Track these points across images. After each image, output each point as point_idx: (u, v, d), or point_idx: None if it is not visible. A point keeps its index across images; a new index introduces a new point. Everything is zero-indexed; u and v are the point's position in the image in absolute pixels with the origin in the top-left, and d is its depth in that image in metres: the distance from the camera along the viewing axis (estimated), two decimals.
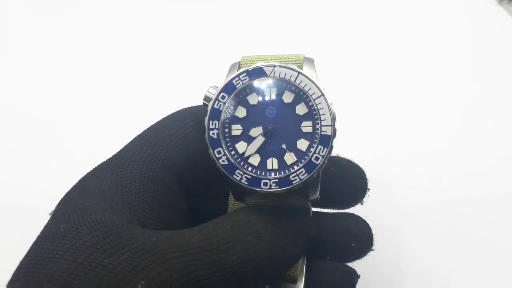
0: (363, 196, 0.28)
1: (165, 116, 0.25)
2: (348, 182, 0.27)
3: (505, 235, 0.36)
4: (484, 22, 0.50)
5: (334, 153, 0.28)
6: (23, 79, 0.46)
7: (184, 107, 0.25)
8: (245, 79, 0.23)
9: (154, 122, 0.24)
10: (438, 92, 0.44)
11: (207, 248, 0.19)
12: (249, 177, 0.23)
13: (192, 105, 0.26)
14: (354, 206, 0.28)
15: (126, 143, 0.24)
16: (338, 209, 0.28)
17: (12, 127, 0.43)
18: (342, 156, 0.28)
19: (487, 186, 0.38)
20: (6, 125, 0.43)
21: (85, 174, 0.22)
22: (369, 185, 0.28)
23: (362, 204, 0.28)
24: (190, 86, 0.45)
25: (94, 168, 0.22)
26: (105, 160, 0.23)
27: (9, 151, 0.41)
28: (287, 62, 0.24)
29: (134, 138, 0.24)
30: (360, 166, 0.28)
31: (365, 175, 0.28)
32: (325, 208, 0.27)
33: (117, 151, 0.23)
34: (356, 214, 0.28)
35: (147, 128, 0.24)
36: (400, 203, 0.38)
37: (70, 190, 0.21)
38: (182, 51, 0.48)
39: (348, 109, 0.43)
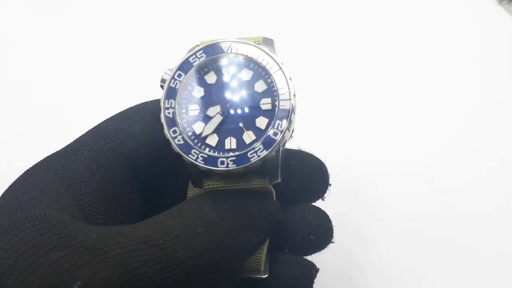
0: (324, 191, 0.27)
1: (121, 110, 0.24)
2: (309, 176, 0.26)
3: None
4: (484, 22, 0.50)
5: (295, 146, 0.27)
6: (22, 79, 0.46)
7: (142, 102, 0.25)
8: (202, 56, 0.23)
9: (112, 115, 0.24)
10: (438, 92, 0.44)
11: (152, 243, 0.18)
12: (206, 156, 0.22)
13: (151, 100, 0.25)
14: (314, 201, 0.27)
15: (78, 137, 0.23)
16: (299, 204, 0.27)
17: (12, 128, 0.43)
18: (304, 149, 0.27)
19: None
20: (6, 125, 0.43)
21: (32, 165, 0.21)
22: (331, 180, 0.27)
23: (323, 199, 0.27)
24: None
25: (42, 159, 0.21)
26: (56, 151, 0.22)
27: (9, 152, 0.41)
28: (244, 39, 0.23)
29: (87, 131, 0.23)
30: (322, 160, 0.27)
31: (326, 169, 0.27)
32: (285, 204, 0.26)
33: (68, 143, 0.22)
34: (314, 205, 0.27)
35: (102, 121, 0.23)
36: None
37: (15, 181, 0.20)
38: (183, 51, 0.48)
39: (348, 109, 0.43)
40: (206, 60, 0.23)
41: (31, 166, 0.21)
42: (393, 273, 0.35)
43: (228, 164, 0.21)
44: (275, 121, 0.22)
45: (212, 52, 0.23)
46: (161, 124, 0.22)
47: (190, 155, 0.22)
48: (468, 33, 0.49)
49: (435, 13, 0.50)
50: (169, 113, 0.22)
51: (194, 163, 0.22)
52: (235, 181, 0.22)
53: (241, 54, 0.23)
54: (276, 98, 0.22)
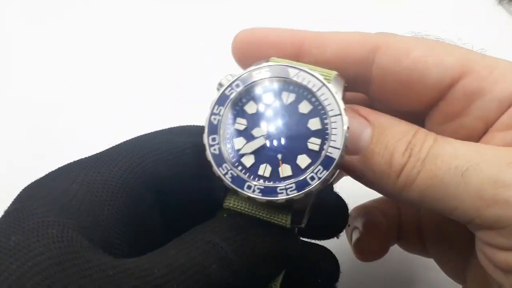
0: (341, 230, 0.27)
1: (163, 128, 0.23)
2: (328, 214, 0.26)
3: None
4: (484, 22, 0.50)
5: None
6: (22, 79, 0.46)
7: (184, 125, 0.24)
8: (267, 73, 0.22)
9: (151, 131, 0.23)
10: None
11: (168, 285, 0.17)
12: (235, 175, 0.21)
13: (192, 124, 0.24)
14: (330, 239, 0.27)
15: (110, 147, 0.21)
16: (313, 239, 0.27)
17: (12, 128, 0.43)
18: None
19: None
20: (6, 125, 0.43)
21: (59, 166, 0.20)
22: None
23: (338, 238, 0.27)
24: (190, 86, 0.45)
25: (70, 163, 0.20)
26: (86, 156, 0.21)
27: (9, 152, 0.41)
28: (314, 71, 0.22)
29: (123, 142, 0.21)
30: (344, 199, 0.27)
31: (347, 210, 0.27)
32: (300, 237, 0.25)
33: (97, 153, 0.21)
34: (326, 247, 0.27)
35: (141, 135, 0.22)
36: None
37: (35, 183, 0.19)
38: (183, 51, 0.48)
39: None
40: (268, 79, 0.22)
41: (56, 168, 0.20)
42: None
43: (254, 190, 0.20)
44: (317, 165, 0.20)
45: (277, 73, 0.22)
46: (202, 129, 0.21)
47: (220, 168, 0.21)
48: (468, 33, 0.49)
49: (435, 13, 0.50)
50: (214, 119, 0.21)
51: (221, 178, 0.21)
52: (256, 208, 0.21)
53: (305, 86, 0.21)
54: (326, 142, 0.21)
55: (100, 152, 0.21)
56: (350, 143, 0.21)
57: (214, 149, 0.21)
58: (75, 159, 0.21)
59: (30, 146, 0.41)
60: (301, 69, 0.21)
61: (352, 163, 0.21)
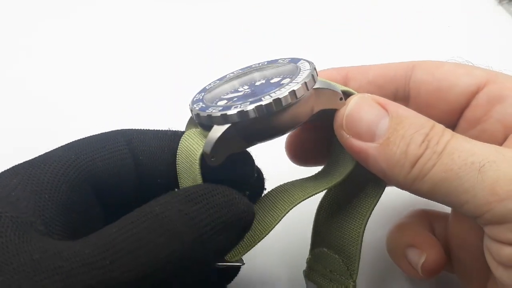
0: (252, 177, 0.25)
1: (98, 133, 0.24)
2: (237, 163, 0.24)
3: None
4: (484, 22, 0.50)
5: None
6: (22, 79, 0.46)
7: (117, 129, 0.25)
8: (285, 60, 0.24)
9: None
10: None
11: (96, 265, 0.16)
12: (204, 106, 0.22)
13: (126, 128, 0.25)
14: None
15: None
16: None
17: (11, 128, 0.43)
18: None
19: None
20: (5, 125, 0.43)
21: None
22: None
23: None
24: (190, 86, 0.45)
25: (9, 169, 0.21)
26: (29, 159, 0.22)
27: (8, 152, 0.41)
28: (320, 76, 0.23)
29: (60, 146, 0.22)
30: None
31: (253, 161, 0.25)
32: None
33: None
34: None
35: (77, 140, 0.23)
36: None
37: None
38: (184, 52, 0.48)
39: None
40: (286, 64, 0.24)
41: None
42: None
43: (214, 110, 0.21)
44: (247, 100, 0.21)
45: (293, 62, 0.24)
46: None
47: (195, 105, 0.22)
48: (468, 33, 0.49)
49: (435, 13, 0.50)
50: (209, 85, 0.25)
51: (191, 108, 0.22)
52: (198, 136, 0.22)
53: (303, 77, 0.21)
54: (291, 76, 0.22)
55: (41, 154, 0.22)
56: (367, 130, 0.22)
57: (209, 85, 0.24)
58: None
59: (30, 146, 0.41)
60: (309, 65, 0.22)
61: (367, 150, 0.22)
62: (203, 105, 0.22)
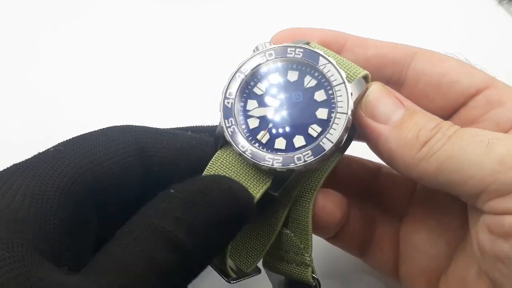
0: None
1: (105, 129, 0.22)
2: None
3: None
4: (484, 22, 0.50)
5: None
6: (22, 79, 0.46)
7: (124, 125, 0.23)
8: (299, 54, 0.24)
9: (90, 132, 0.22)
10: None
11: None
12: (236, 131, 0.23)
13: (131, 125, 0.23)
14: None
15: (49, 148, 0.20)
16: None
17: (11, 128, 0.43)
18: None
19: None
20: (6, 125, 0.43)
21: None
22: None
23: None
24: (191, 87, 0.45)
25: (6, 169, 0.19)
26: (19, 162, 0.20)
27: (9, 152, 0.41)
28: (344, 67, 0.24)
29: (60, 144, 0.21)
30: None
31: None
32: None
33: (36, 155, 0.20)
34: None
35: (80, 137, 0.21)
36: None
37: None
38: (184, 52, 0.48)
39: None
40: (300, 59, 0.24)
41: None
42: None
43: (246, 150, 0.22)
44: (308, 150, 0.22)
45: (309, 57, 0.24)
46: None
47: (226, 120, 0.23)
48: (468, 33, 0.49)
49: (435, 13, 0.50)
50: (239, 76, 0.23)
51: (224, 128, 0.23)
52: (238, 171, 0.23)
53: (328, 78, 0.23)
54: (324, 132, 0.22)
55: (38, 155, 0.20)
56: (383, 114, 0.23)
57: (228, 103, 0.23)
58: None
59: (30, 146, 0.41)
60: (330, 62, 0.23)
61: (379, 130, 0.23)
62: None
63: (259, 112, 0.23)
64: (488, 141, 0.21)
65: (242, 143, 0.22)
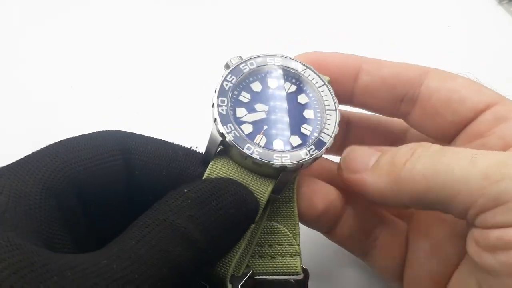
0: None
1: (90, 133, 0.23)
2: None
3: None
4: (484, 22, 0.50)
5: None
6: (22, 79, 0.46)
7: (110, 130, 0.23)
8: (278, 62, 0.26)
9: (76, 135, 0.22)
10: None
11: (129, 278, 0.16)
12: (238, 135, 0.23)
13: (117, 130, 0.24)
14: None
15: (31, 152, 0.21)
16: None
17: (11, 128, 0.43)
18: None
19: None
20: (5, 126, 0.43)
21: None
22: None
23: None
24: (190, 87, 0.45)
25: None
26: (3, 166, 0.20)
27: (8, 152, 0.41)
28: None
29: (46, 146, 0.21)
30: None
31: None
32: None
33: (21, 158, 0.21)
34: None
35: (64, 140, 0.22)
36: None
37: None
38: (183, 52, 0.48)
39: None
40: (280, 66, 0.26)
41: None
42: None
43: (253, 152, 0.23)
44: (310, 145, 0.24)
45: (288, 64, 0.26)
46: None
47: (225, 126, 0.23)
48: (468, 33, 0.49)
49: (435, 13, 0.50)
50: (226, 84, 0.24)
51: (225, 135, 0.23)
52: (241, 174, 0.24)
53: (310, 81, 0.26)
54: (317, 129, 0.25)
55: (24, 157, 0.21)
56: (362, 165, 0.25)
57: (222, 109, 0.24)
58: None
59: (30, 146, 0.41)
60: (308, 67, 0.26)
61: (362, 178, 0.24)
62: (239, 135, 0.23)
63: (251, 117, 0.24)
64: (472, 156, 0.21)
65: (247, 146, 0.23)
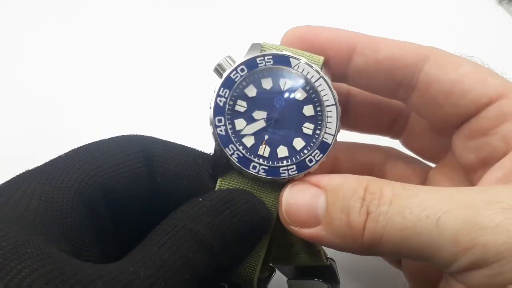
0: None
1: (114, 137, 0.23)
2: None
3: None
4: (484, 22, 0.50)
5: None
6: (22, 79, 0.46)
7: (134, 134, 0.24)
8: (269, 62, 0.24)
9: (100, 140, 0.22)
10: None
11: (157, 285, 0.17)
12: (241, 155, 0.23)
13: (140, 134, 0.24)
14: None
15: (60, 155, 0.21)
16: None
17: (11, 128, 0.43)
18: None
19: None
20: (5, 126, 0.43)
21: (8, 180, 0.19)
22: None
23: None
24: (190, 87, 0.45)
25: (20, 175, 0.20)
26: (32, 168, 0.20)
27: (9, 152, 0.41)
28: (310, 60, 0.24)
29: (71, 151, 0.21)
30: None
31: None
32: None
33: (48, 161, 0.21)
34: None
35: (90, 145, 0.22)
36: None
37: None
38: (183, 52, 0.48)
39: None
40: (272, 66, 0.24)
41: (6, 183, 0.19)
42: None
43: (259, 170, 0.23)
44: (314, 149, 0.23)
45: (280, 62, 0.24)
46: (210, 111, 0.23)
47: (227, 149, 0.23)
48: (468, 33, 0.49)
49: (435, 13, 0.50)
50: (220, 101, 0.23)
51: (229, 158, 0.23)
52: (252, 186, 0.23)
53: (304, 76, 0.24)
54: (319, 127, 0.23)
55: (51, 161, 0.21)
56: (309, 215, 0.22)
57: (221, 130, 0.23)
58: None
59: (30, 146, 0.41)
60: (301, 60, 0.24)
61: (318, 235, 0.22)
62: (242, 155, 0.23)
63: (250, 129, 0.23)
64: (436, 216, 0.19)
65: (252, 165, 0.23)
